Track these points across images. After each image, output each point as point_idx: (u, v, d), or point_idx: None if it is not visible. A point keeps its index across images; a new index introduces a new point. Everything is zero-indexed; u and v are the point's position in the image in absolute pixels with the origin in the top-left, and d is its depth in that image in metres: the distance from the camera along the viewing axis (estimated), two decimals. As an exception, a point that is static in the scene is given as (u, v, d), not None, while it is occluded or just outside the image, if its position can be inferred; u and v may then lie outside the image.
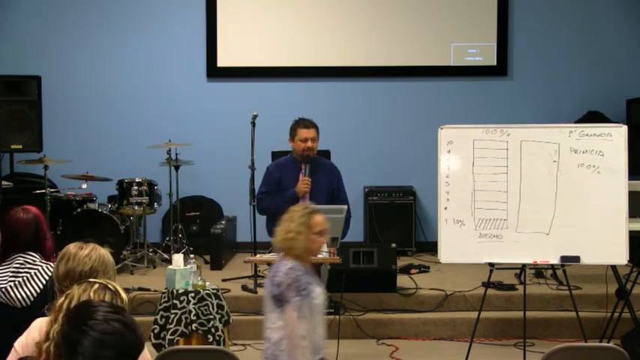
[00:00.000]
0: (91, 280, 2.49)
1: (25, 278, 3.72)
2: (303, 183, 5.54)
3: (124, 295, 2.44)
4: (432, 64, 8.47)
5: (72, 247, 2.90)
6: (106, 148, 8.36)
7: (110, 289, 2.42)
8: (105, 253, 2.92)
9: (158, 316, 5.02)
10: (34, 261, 3.77)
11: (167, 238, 7.64)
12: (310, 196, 5.57)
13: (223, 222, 7.82)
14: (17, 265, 3.75)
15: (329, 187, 5.69)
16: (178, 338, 4.92)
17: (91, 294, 2.39)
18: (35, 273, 3.71)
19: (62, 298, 2.42)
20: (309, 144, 5.58)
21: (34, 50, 8.36)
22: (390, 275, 6.40)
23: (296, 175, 5.64)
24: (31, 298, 3.70)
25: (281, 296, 3.74)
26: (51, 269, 3.70)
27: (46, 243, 3.88)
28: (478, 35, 8.45)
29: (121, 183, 7.35)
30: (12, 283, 3.71)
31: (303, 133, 5.62)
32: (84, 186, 7.43)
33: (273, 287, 3.77)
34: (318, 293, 3.83)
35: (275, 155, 6.85)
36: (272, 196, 5.84)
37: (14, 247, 3.83)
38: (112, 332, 2.02)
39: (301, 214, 3.86)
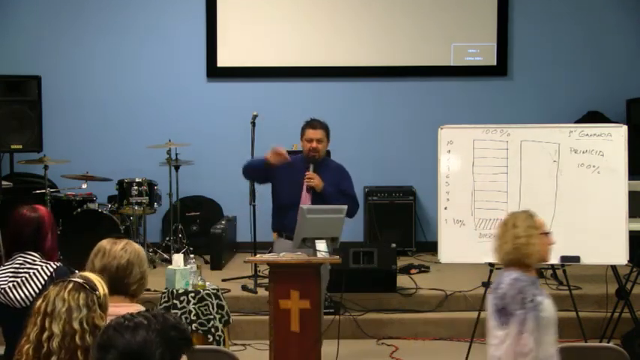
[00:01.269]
0: (65, 279, 2.50)
1: (24, 278, 3.71)
2: (308, 177, 5.53)
3: (103, 289, 2.45)
4: (432, 64, 8.47)
5: (105, 243, 2.94)
6: (106, 148, 8.36)
7: (85, 287, 2.44)
8: (138, 246, 2.97)
9: (158, 316, 5.02)
10: (34, 261, 3.77)
11: (167, 238, 7.65)
12: (315, 193, 5.56)
13: (223, 222, 7.82)
14: (17, 265, 3.75)
15: (336, 188, 5.66)
16: (178, 338, 4.91)
17: (65, 295, 2.42)
18: (34, 273, 3.71)
19: (40, 300, 2.43)
20: (314, 144, 5.57)
21: (34, 50, 8.36)
22: (390, 275, 6.40)
23: (300, 169, 5.62)
24: (31, 299, 3.69)
25: (505, 309, 3.42)
26: (51, 269, 3.70)
27: (46, 243, 3.87)
28: (478, 35, 8.45)
29: (121, 183, 7.36)
30: (11, 284, 3.71)
31: (309, 133, 5.60)
32: (84, 186, 7.43)
33: (497, 299, 3.46)
34: (547, 305, 3.48)
35: (275, 155, 6.83)
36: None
37: (15, 245, 3.83)
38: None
39: (524, 217, 3.58)
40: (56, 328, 2.38)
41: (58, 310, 2.40)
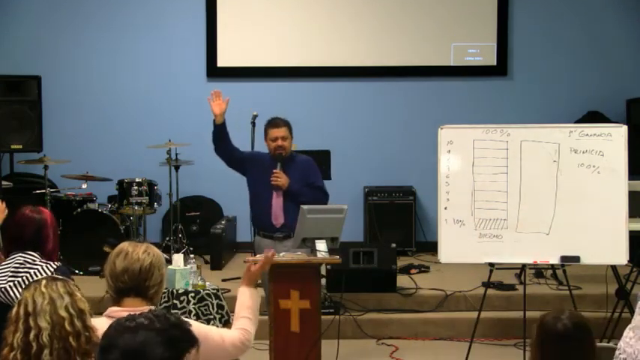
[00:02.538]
0: (37, 279, 2.52)
1: (24, 278, 3.71)
2: (274, 176, 5.55)
3: (79, 294, 2.49)
4: (432, 64, 8.47)
5: (127, 245, 2.95)
6: (106, 148, 8.36)
7: (58, 278, 2.48)
8: (159, 251, 2.98)
9: (158, 316, 5.02)
10: (34, 260, 3.77)
11: (167, 238, 7.64)
12: (285, 191, 5.58)
13: (223, 222, 7.82)
14: (17, 265, 3.75)
15: (305, 182, 5.68)
16: (178, 338, 4.92)
17: (43, 289, 2.45)
18: (35, 272, 3.71)
19: (15, 307, 2.45)
20: (280, 142, 5.59)
21: (34, 50, 8.36)
22: (390, 275, 6.40)
23: (270, 167, 5.65)
24: (31, 298, 3.70)
25: None
26: (51, 269, 3.70)
27: (48, 245, 3.87)
28: (478, 35, 8.45)
29: (121, 183, 7.35)
30: (11, 283, 3.71)
31: (273, 132, 5.63)
32: (84, 186, 7.44)
33: None
34: None
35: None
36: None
37: (15, 245, 3.83)
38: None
39: None
40: (43, 322, 2.39)
41: (40, 305, 2.41)
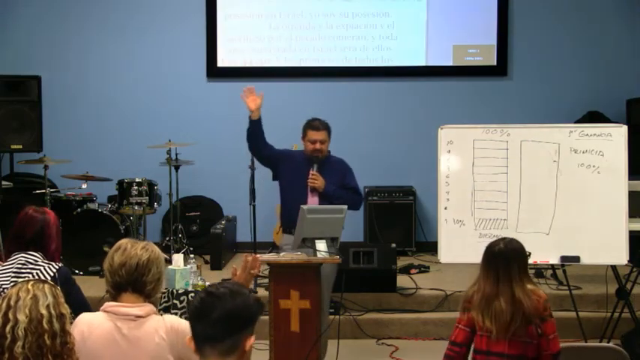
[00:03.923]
0: (23, 280, 2.53)
1: (26, 279, 3.71)
2: (312, 178, 5.54)
3: (63, 300, 2.53)
4: (432, 64, 8.47)
5: (126, 241, 2.99)
6: (106, 148, 8.36)
7: (46, 281, 2.52)
8: (158, 249, 3.01)
9: (158, 316, 5.02)
10: (36, 261, 3.76)
11: (167, 238, 7.64)
12: (322, 193, 5.56)
13: (223, 222, 7.82)
14: (19, 266, 3.75)
15: (340, 183, 5.67)
16: (178, 338, 4.92)
17: (29, 286, 2.49)
18: (37, 273, 3.70)
19: (0, 301, 2.48)
20: (318, 146, 5.58)
21: (34, 50, 8.37)
22: (390, 275, 6.40)
23: (304, 167, 5.62)
24: (32, 299, 3.69)
25: None
26: (54, 269, 3.70)
27: (50, 245, 3.87)
28: (478, 35, 8.45)
29: (121, 183, 7.35)
30: (14, 284, 3.71)
31: (312, 134, 5.61)
32: (84, 186, 7.43)
33: None
34: None
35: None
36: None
37: (17, 243, 3.83)
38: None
39: None
40: (21, 315, 2.40)
41: (23, 299, 2.43)
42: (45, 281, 2.50)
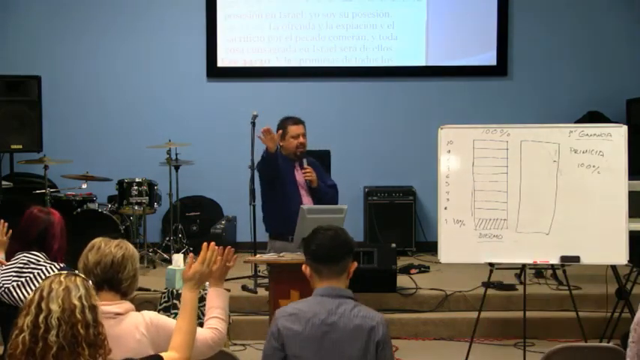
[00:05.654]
0: (57, 272, 2.53)
1: (28, 278, 3.71)
2: (307, 172, 5.53)
3: (94, 293, 2.51)
4: (432, 64, 8.47)
5: (99, 240, 2.99)
6: (106, 148, 8.36)
7: (79, 275, 2.53)
8: (132, 246, 3.02)
9: (158, 316, 5.02)
10: (38, 261, 3.76)
11: (167, 238, 7.65)
12: (310, 189, 5.56)
13: (223, 222, 7.82)
14: (21, 265, 3.75)
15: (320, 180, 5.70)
16: (178, 338, 4.91)
17: (62, 279, 2.47)
18: (39, 273, 3.70)
19: (32, 293, 2.47)
20: (302, 139, 5.58)
21: (34, 50, 8.37)
22: (390, 275, 6.39)
23: (291, 169, 5.61)
24: (34, 299, 3.69)
25: None
26: (56, 269, 3.70)
27: (54, 245, 3.86)
28: (478, 35, 8.45)
29: (121, 183, 7.36)
30: (15, 283, 3.71)
31: (294, 129, 5.60)
32: (84, 186, 7.44)
33: None
34: None
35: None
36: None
37: (21, 243, 3.83)
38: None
39: None
40: (54, 306, 2.40)
41: (56, 291, 2.43)
42: (77, 274, 2.51)
